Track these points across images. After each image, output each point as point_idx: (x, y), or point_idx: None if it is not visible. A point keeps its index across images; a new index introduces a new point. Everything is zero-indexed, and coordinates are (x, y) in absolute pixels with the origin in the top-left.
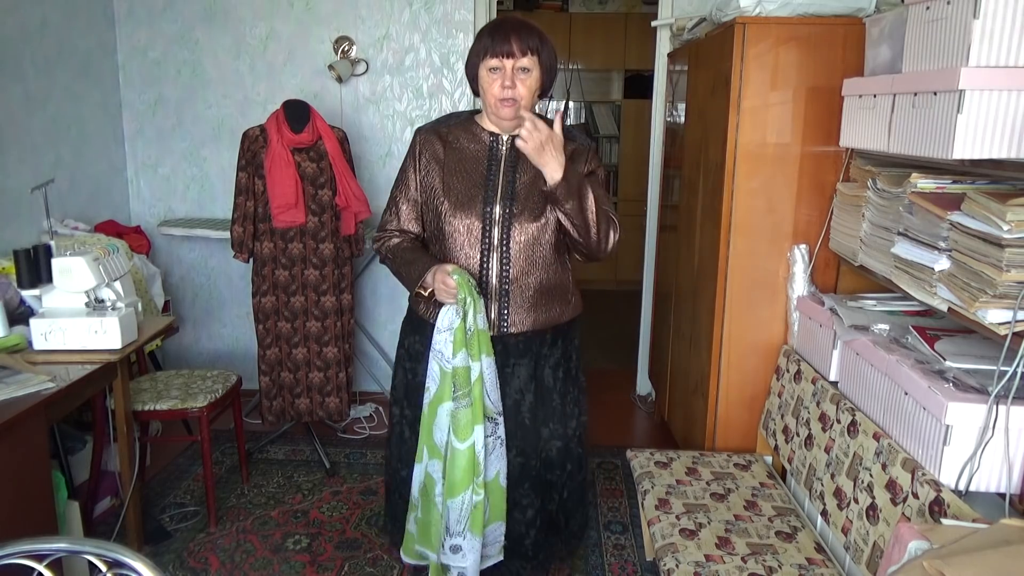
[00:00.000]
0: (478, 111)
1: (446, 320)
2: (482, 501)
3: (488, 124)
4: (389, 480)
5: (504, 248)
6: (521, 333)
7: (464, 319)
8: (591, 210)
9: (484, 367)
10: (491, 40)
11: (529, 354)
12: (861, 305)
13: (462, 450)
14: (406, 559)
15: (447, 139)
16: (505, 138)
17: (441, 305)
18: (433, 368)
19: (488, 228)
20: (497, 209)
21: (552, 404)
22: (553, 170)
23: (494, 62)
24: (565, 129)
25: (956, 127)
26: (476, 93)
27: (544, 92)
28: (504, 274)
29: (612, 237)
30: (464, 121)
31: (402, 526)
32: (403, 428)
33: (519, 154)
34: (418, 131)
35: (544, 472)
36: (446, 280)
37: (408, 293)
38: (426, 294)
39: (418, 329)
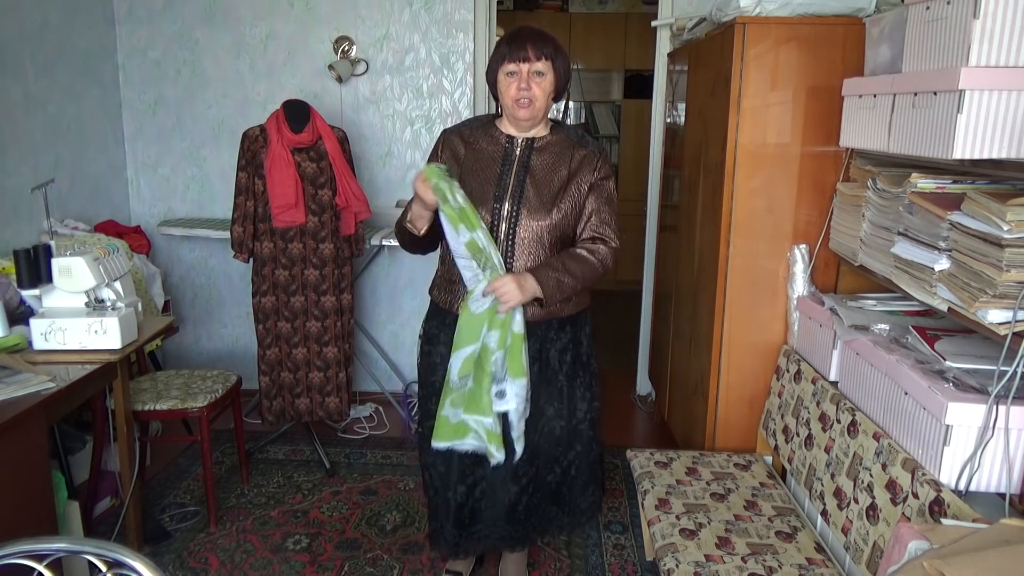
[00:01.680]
0: (499, 115)
1: (468, 272)
2: (515, 343)
3: (506, 127)
4: (425, 472)
5: (510, 243)
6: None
7: (447, 201)
8: (578, 278)
9: (481, 234)
10: (508, 48)
11: (534, 336)
12: (861, 305)
13: (489, 307)
14: (440, 444)
15: (468, 140)
16: (520, 140)
17: (453, 294)
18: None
19: (496, 223)
20: (506, 206)
21: (557, 385)
22: (536, 295)
23: (511, 67)
24: (577, 134)
25: (956, 127)
26: (495, 97)
27: (558, 96)
28: (508, 268)
29: (609, 263)
30: (485, 124)
31: (441, 524)
32: (429, 404)
33: (531, 156)
34: (443, 132)
35: (547, 447)
36: (418, 177)
37: (428, 286)
38: (418, 228)
39: (434, 315)
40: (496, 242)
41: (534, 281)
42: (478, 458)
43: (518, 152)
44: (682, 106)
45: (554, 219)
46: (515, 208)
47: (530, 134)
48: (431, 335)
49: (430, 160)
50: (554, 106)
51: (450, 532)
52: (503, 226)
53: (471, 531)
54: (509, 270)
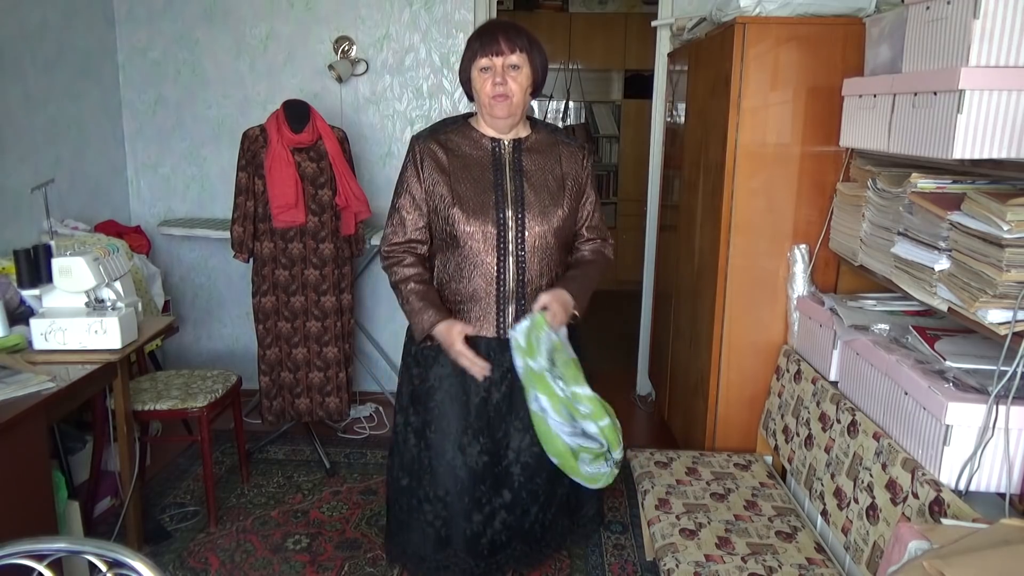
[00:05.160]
0: (471, 114)
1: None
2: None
3: (486, 128)
4: (390, 490)
5: (519, 251)
6: None
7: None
8: (597, 279)
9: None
10: (480, 42)
11: None
12: (861, 305)
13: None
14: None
15: (447, 146)
16: (506, 141)
17: (458, 316)
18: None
19: (503, 233)
20: (509, 213)
21: None
22: (575, 308)
23: (484, 62)
24: (556, 130)
25: (956, 127)
26: (471, 98)
27: (536, 90)
28: (520, 276)
29: (609, 256)
30: (461, 127)
31: (402, 537)
32: (408, 435)
33: (523, 158)
34: (415, 139)
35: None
36: (462, 351)
37: None
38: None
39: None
40: (505, 252)
41: (570, 296)
42: (496, 487)
43: (507, 155)
44: (682, 106)
45: (559, 221)
46: (519, 214)
47: (512, 135)
48: (422, 358)
49: (405, 170)
50: (552, 105)
51: (464, 561)
52: (510, 235)
53: (490, 561)
54: (522, 280)
